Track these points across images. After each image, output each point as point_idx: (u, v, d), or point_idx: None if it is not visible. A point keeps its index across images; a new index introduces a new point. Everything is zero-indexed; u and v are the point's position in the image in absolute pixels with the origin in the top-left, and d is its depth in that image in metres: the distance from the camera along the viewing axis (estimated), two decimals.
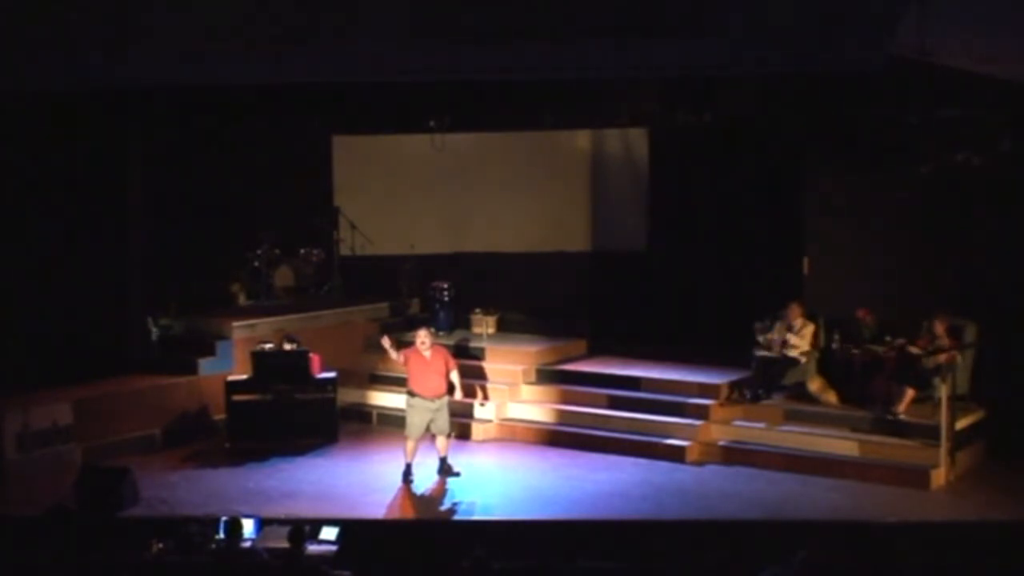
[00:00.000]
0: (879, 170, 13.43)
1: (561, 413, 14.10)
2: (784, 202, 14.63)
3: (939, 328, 12.68)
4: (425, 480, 12.31)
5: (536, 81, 13.21)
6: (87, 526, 10.18)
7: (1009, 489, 11.79)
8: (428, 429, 12.31)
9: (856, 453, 12.43)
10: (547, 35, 11.55)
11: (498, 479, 12.49)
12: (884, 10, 10.80)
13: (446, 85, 13.36)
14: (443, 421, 12.33)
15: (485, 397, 13.82)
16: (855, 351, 13.28)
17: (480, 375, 14.46)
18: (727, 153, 15.30)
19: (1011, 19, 10.65)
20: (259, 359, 13.79)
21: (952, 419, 12.12)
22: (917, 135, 12.66)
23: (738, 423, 13.34)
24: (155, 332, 14.76)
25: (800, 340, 13.29)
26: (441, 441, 12.42)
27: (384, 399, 14.81)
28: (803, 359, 13.30)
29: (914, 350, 12.70)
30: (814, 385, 13.39)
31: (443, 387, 12.36)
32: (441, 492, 12.09)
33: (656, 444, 13.14)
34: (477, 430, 13.97)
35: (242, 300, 16.06)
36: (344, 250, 16.92)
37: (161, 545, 9.67)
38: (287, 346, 14.02)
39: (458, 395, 12.87)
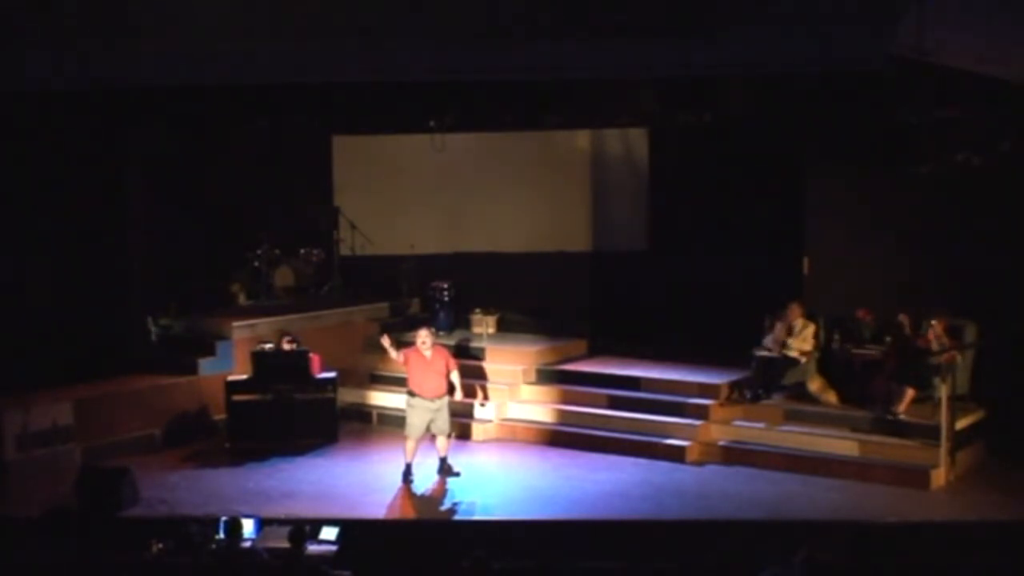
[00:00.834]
0: (879, 170, 13.45)
1: (561, 413, 14.10)
2: (784, 202, 14.64)
3: (939, 328, 12.68)
4: (425, 480, 12.30)
5: (536, 81, 13.20)
6: (87, 526, 10.18)
7: (1009, 489, 11.79)
8: (428, 429, 12.30)
9: (856, 453, 12.43)
10: (547, 35, 11.55)
11: (498, 479, 12.49)
12: (884, 10, 10.81)
13: (446, 85, 13.35)
14: (443, 421, 12.32)
15: (485, 397, 13.80)
16: (855, 351, 13.28)
17: (480, 375, 14.45)
18: (727, 153, 15.30)
19: (1011, 19, 10.65)
20: (259, 359, 13.78)
21: (952, 419, 12.12)
22: (917, 135, 12.66)
23: (738, 423, 13.34)
24: (155, 332, 14.79)
25: (800, 341, 13.30)
26: (441, 441, 12.42)
27: (384, 399, 14.81)
28: (803, 359, 13.31)
29: (921, 343, 12.69)
30: (814, 385, 13.39)
31: (443, 387, 12.35)
32: (441, 492, 12.09)
33: (656, 444, 13.14)
34: (477, 430, 13.97)
35: (242, 300, 16.08)
36: (344, 250, 16.94)
37: (161, 545, 9.67)
38: (287, 346, 14.02)
39: (458, 395, 12.86)
